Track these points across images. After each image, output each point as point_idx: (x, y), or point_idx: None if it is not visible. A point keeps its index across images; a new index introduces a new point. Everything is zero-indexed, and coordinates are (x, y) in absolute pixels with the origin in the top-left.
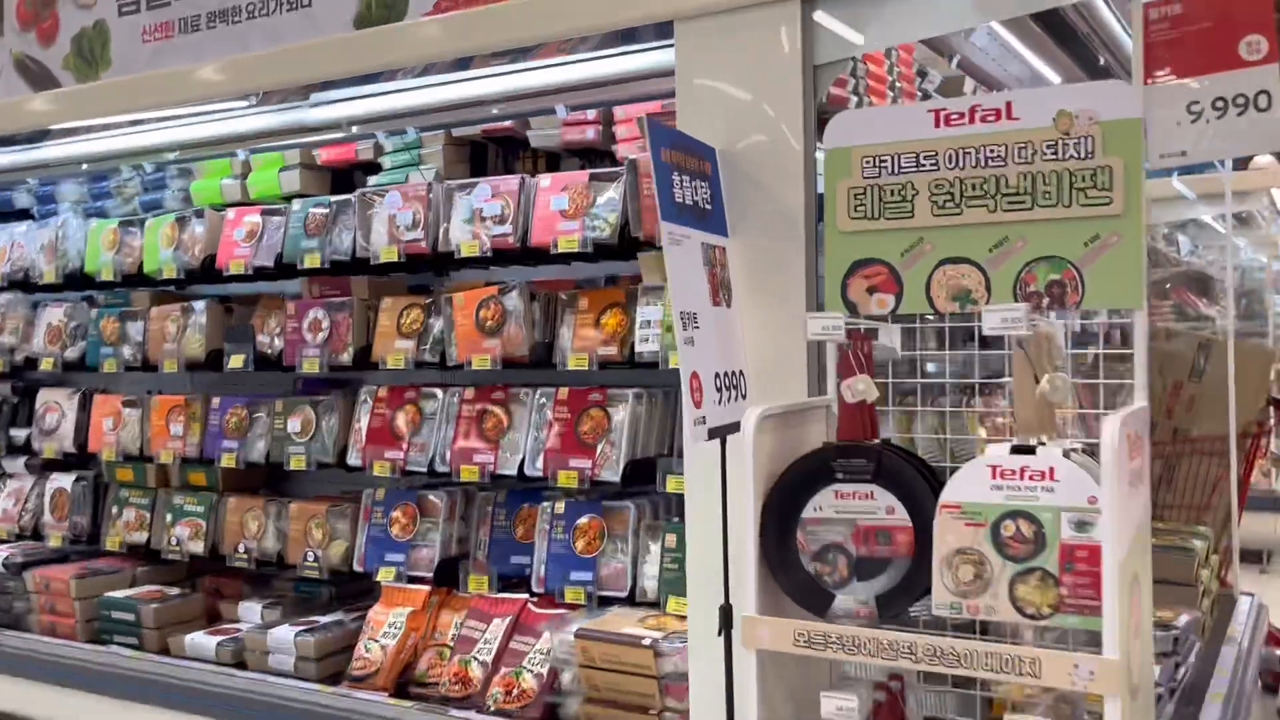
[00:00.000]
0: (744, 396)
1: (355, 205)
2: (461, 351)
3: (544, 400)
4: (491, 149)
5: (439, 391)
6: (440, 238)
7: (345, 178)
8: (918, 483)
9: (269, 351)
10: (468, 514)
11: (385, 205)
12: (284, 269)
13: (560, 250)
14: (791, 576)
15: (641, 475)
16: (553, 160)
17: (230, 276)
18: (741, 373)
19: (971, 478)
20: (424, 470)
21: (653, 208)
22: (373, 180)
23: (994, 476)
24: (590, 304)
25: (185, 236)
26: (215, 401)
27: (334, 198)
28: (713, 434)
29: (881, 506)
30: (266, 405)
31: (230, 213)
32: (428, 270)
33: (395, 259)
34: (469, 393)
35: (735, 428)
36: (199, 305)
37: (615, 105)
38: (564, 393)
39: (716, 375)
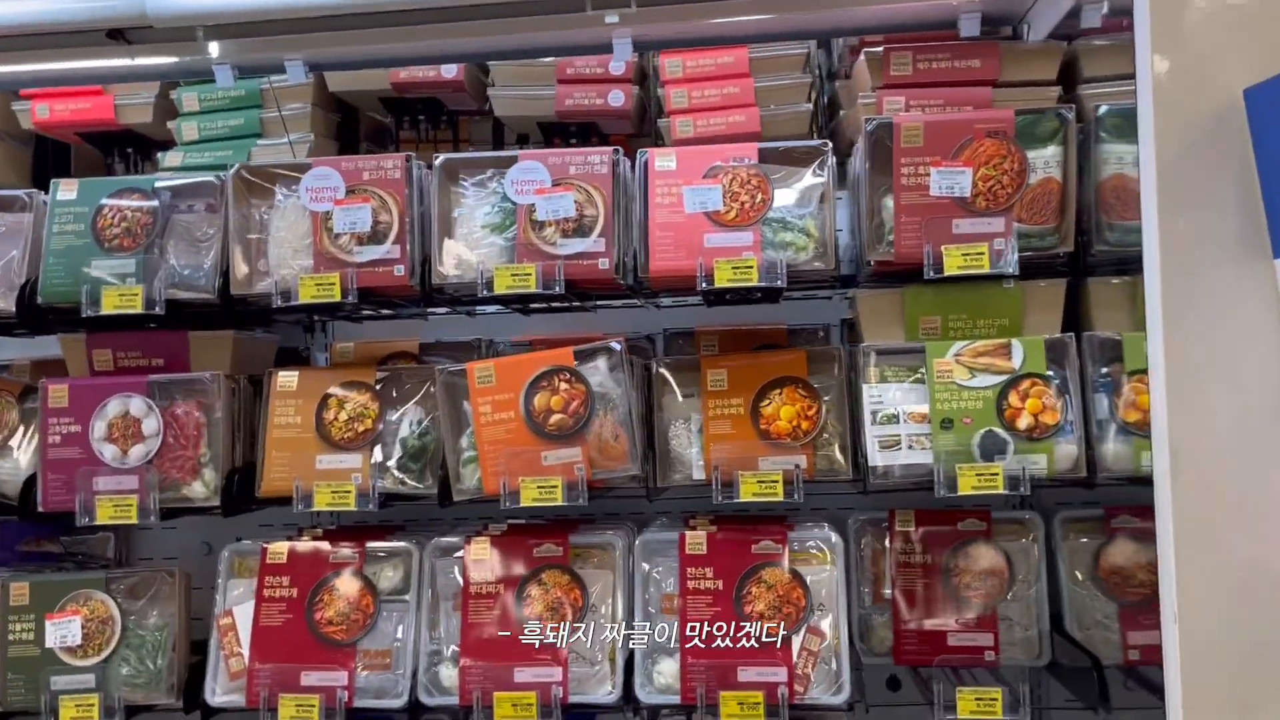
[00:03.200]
0: None
1: (225, 191)
2: (490, 475)
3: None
4: (395, 118)
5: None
6: (423, 258)
7: (82, 157)
8: None
9: None
10: None
11: (307, 195)
12: (29, 316)
13: (725, 284)
14: None
15: None
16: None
17: None
18: None
19: None
20: None
21: (914, 208)
22: (168, 161)
23: None
24: (738, 379)
25: None
26: None
27: (185, 176)
28: None
29: None
30: None
31: None
32: (384, 312)
33: (331, 299)
34: (484, 551)
35: None
36: None
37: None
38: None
39: None
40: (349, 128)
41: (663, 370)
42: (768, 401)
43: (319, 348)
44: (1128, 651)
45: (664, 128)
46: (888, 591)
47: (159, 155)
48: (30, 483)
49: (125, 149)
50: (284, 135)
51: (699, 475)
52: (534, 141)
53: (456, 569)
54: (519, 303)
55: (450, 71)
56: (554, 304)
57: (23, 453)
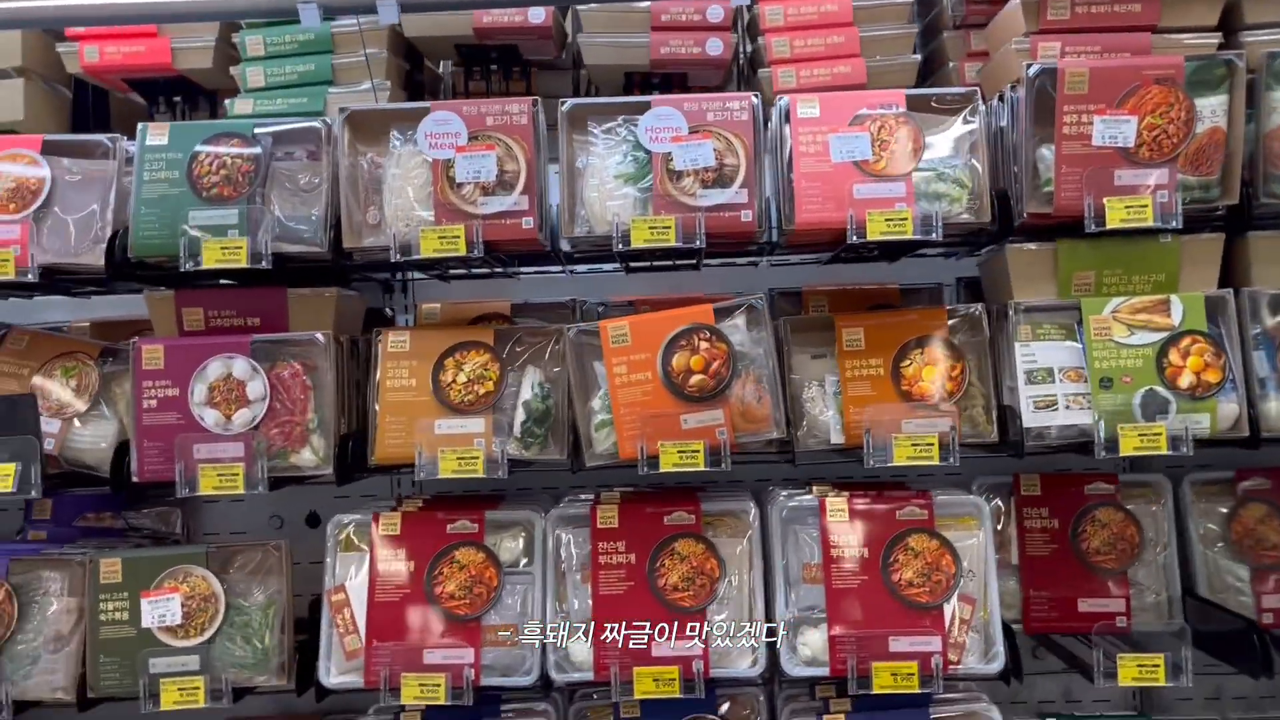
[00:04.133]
0: None
1: (332, 137)
2: (627, 439)
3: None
4: (466, 68)
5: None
6: (560, 210)
7: (121, 108)
8: None
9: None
10: None
11: (426, 141)
12: (119, 271)
13: (877, 237)
14: None
15: None
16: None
17: None
18: None
19: None
20: None
21: (1075, 158)
22: (238, 109)
23: None
24: (875, 339)
25: None
26: None
27: (285, 121)
28: None
29: None
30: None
31: None
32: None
33: (454, 253)
34: (610, 522)
35: None
36: None
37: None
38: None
39: None
40: (414, 79)
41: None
42: (908, 362)
43: (399, 308)
44: (1262, 615)
45: (764, 78)
46: (1014, 558)
47: (227, 103)
48: (121, 451)
49: (172, 98)
50: (358, 82)
51: (836, 439)
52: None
53: (581, 538)
54: (653, 259)
55: (538, 16)
56: (656, 262)
57: (104, 419)
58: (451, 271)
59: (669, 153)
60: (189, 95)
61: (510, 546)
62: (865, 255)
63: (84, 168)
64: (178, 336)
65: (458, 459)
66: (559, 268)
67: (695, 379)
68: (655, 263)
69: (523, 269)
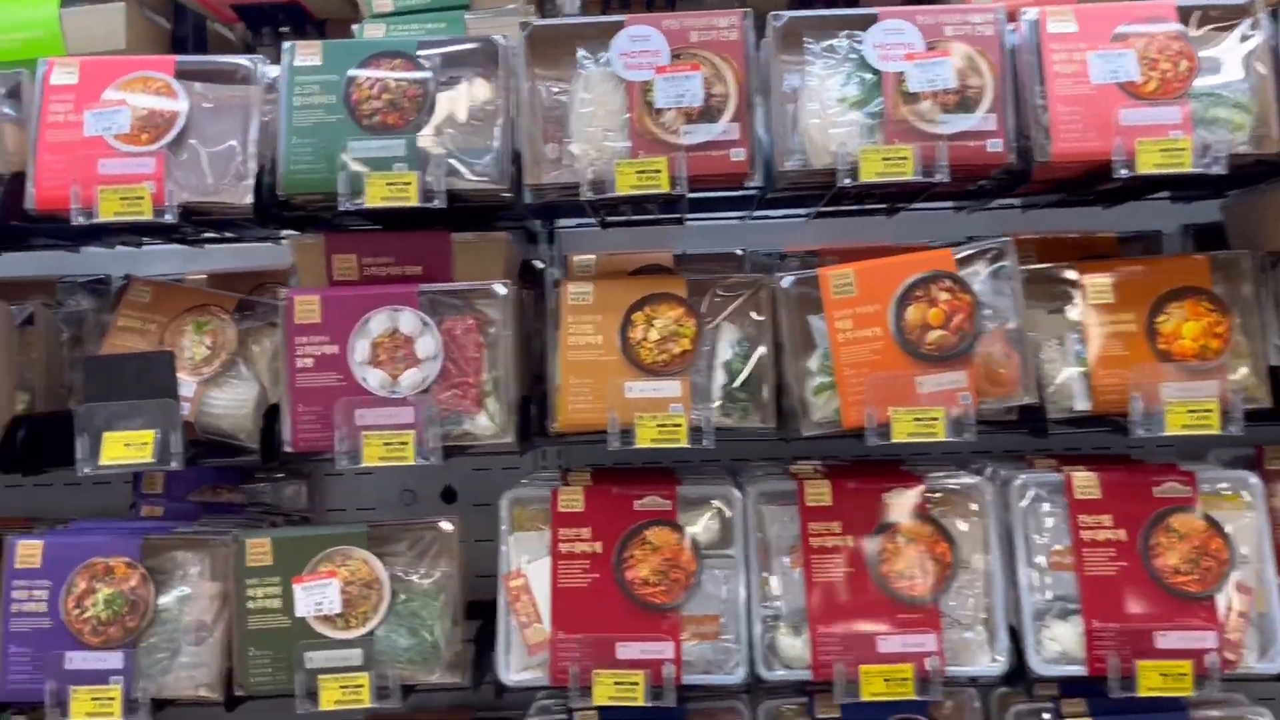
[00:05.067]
0: None
1: (508, 57)
2: (852, 404)
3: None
4: None
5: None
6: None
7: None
8: None
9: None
10: None
11: (620, 61)
12: (265, 209)
13: (1150, 170)
14: None
15: None
16: None
17: (75, 230)
18: None
19: None
20: None
21: None
22: (368, 34)
23: None
24: (1126, 291)
25: None
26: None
27: (450, 41)
28: None
29: None
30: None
31: (64, 71)
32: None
33: (655, 189)
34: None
35: None
36: None
37: None
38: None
39: None
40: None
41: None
42: (1165, 316)
43: (545, 258)
44: None
45: None
46: None
47: (354, 28)
48: (271, 416)
49: (279, 28)
50: (499, 5)
51: (1082, 405)
52: None
53: (787, 517)
54: (887, 193)
55: None
56: (844, 206)
57: (241, 381)
58: (610, 219)
59: (902, 72)
60: (297, 25)
61: (706, 526)
62: (1081, 200)
63: (220, 94)
64: (327, 287)
65: (657, 426)
66: (732, 214)
67: (934, 335)
68: (843, 208)
69: (694, 215)
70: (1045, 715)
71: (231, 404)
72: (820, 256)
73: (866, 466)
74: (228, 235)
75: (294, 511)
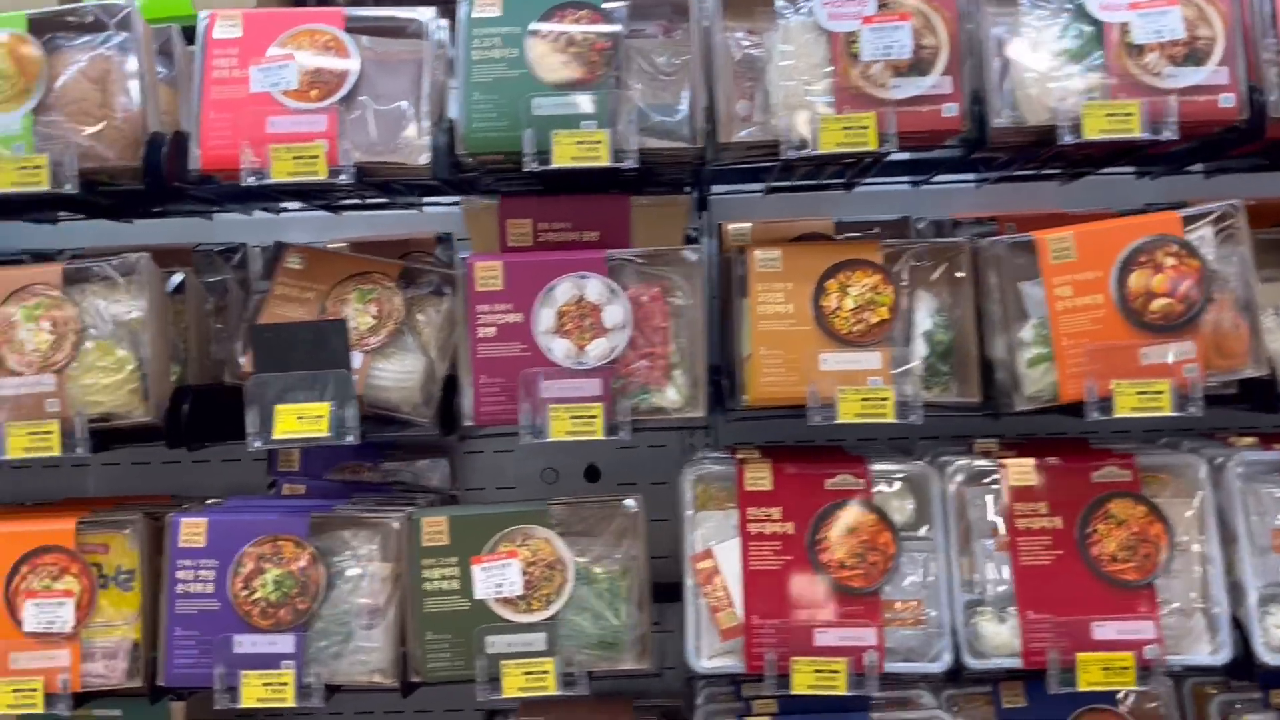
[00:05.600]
0: None
1: (696, 7)
2: (1071, 377)
3: None
4: None
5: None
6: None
7: None
8: None
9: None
10: None
11: (824, 11)
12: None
13: None
14: None
15: None
16: None
17: (238, 191)
18: None
19: None
20: None
21: None
22: None
23: None
24: None
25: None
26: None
27: None
28: None
29: None
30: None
31: (226, 25)
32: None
33: (861, 146)
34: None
35: None
36: (139, 266)
37: None
38: None
39: None
40: None
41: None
42: None
43: (696, 226)
44: None
45: None
46: None
47: None
48: (449, 389)
49: None
50: None
51: None
52: None
53: (989, 498)
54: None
55: None
56: (1015, 170)
57: (408, 352)
58: (776, 185)
59: (1126, 22)
60: None
61: (901, 506)
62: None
63: (388, 49)
64: (499, 253)
65: (861, 401)
66: (898, 179)
67: (1158, 303)
68: (1015, 173)
69: (861, 180)
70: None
71: (400, 375)
72: (998, 223)
73: (1052, 444)
74: (370, 201)
75: (436, 490)
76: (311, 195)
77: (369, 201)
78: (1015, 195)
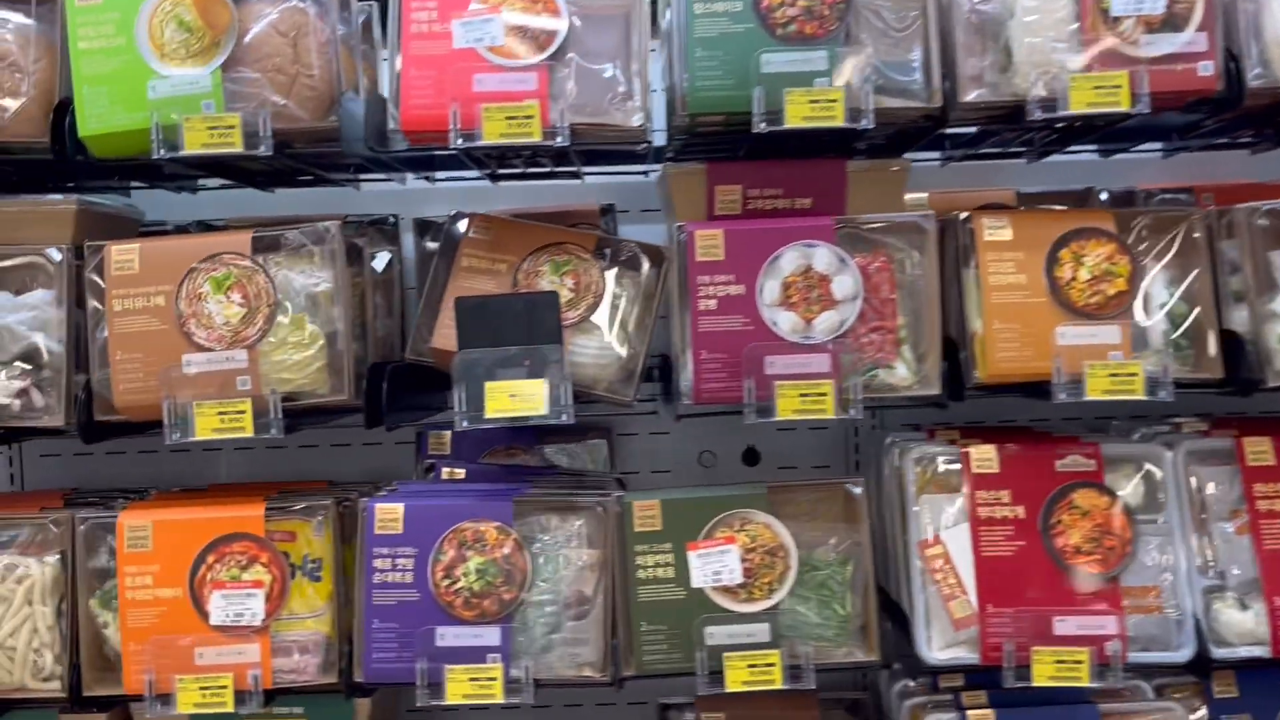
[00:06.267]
0: None
1: None
2: None
3: None
4: None
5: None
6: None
7: None
8: None
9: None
10: None
11: None
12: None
13: None
14: None
15: None
16: None
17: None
18: None
19: None
20: None
21: None
22: None
23: None
24: None
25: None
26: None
27: None
28: None
29: None
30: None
31: None
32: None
33: (1112, 107)
34: None
35: None
36: (328, 236)
37: None
38: None
39: None
40: None
41: None
42: None
43: None
44: None
45: None
46: None
47: None
48: (664, 367)
49: None
50: None
51: None
52: None
53: (1225, 479)
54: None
55: None
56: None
57: (612, 326)
58: (961, 151)
59: None
60: None
61: (1133, 489)
62: None
63: (592, 3)
64: (709, 221)
65: (1109, 376)
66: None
67: None
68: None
69: (1058, 149)
70: None
71: (598, 352)
72: (1195, 194)
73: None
74: (530, 171)
75: (603, 475)
76: (481, 162)
77: (528, 171)
78: (1193, 166)
